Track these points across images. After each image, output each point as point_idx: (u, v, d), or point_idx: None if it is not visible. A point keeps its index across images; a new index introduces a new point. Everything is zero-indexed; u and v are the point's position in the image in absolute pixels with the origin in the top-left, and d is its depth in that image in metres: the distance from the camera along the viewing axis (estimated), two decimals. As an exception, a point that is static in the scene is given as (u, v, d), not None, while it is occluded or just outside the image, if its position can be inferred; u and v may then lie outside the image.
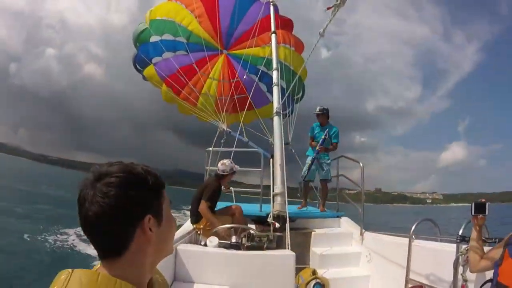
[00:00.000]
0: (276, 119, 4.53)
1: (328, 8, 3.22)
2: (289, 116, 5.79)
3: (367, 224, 4.29)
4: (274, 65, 4.91)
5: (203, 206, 3.75)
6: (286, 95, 4.75)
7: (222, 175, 4.15)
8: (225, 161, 4.22)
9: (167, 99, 6.89)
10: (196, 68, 6.46)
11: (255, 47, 6.45)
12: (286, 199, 3.93)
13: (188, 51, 6.41)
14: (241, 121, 6.23)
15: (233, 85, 6.65)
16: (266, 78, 6.50)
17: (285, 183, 3.99)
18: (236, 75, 6.76)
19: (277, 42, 5.37)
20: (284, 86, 6.21)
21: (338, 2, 3.01)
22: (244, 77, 6.39)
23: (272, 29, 5.11)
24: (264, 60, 6.37)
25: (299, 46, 7.03)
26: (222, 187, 4.37)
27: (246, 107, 6.00)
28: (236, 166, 4.29)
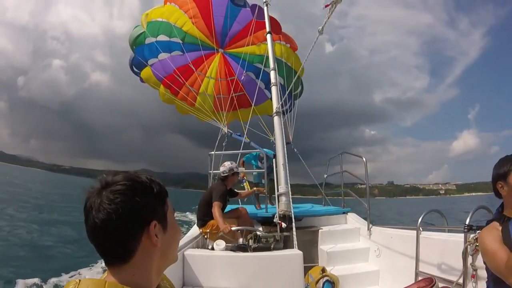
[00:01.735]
0: (276, 119, 4.54)
1: (326, 6, 3.22)
2: (289, 112, 5.79)
3: (376, 218, 4.26)
4: (271, 65, 4.94)
5: (215, 207, 3.77)
6: (287, 92, 4.76)
7: (224, 177, 4.20)
8: (225, 163, 4.29)
9: (165, 100, 6.96)
10: (193, 67, 6.54)
11: (251, 45, 6.50)
12: (290, 198, 3.94)
13: (184, 51, 6.47)
14: (241, 121, 6.24)
15: (230, 83, 6.70)
16: (263, 76, 6.54)
17: (289, 183, 4.00)
18: (233, 73, 6.82)
19: (273, 40, 5.40)
20: (282, 82, 6.23)
21: (335, -1, 3.00)
22: (243, 77, 6.44)
23: (267, 29, 5.13)
24: (261, 58, 6.38)
25: (293, 44, 7.11)
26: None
27: (244, 104, 6.03)
28: (237, 167, 4.32)
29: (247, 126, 6.01)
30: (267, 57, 5.55)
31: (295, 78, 4.98)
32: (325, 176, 5.80)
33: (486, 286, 1.68)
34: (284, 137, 4.40)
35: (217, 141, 5.88)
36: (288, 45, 6.87)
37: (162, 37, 6.40)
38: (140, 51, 6.43)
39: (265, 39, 6.12)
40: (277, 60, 6.04)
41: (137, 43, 6.43)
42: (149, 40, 6.34)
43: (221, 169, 4.21)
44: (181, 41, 6.45)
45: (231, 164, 4.28)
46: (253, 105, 5.74)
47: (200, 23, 6.53)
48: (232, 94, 6.51)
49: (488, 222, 1.68)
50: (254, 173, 5.93)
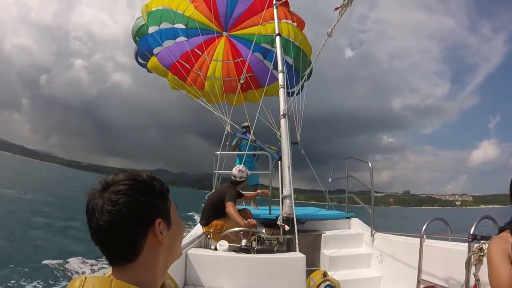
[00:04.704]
0: (282, 122, 4.60)
1: (336, 9, 3.27)
2: (297, 95, 5.61)
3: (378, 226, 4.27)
4: (280, 67, 4.96)
5: (230, 207, 3.82)
6: (295, 73, 4.74)
7: (239, 181, 4.24)
8: (241, 167, 4.31)
9: (174, 87, 6.96)
10: (199, 52, 6.55)
11: (256, 25, 6.40)
12: (293, 201, 3.99)
13: (189, 36, 6.49)
14: (249, 102, 6.21)
15: (237, 65, 6.71)
16: (270, 55, 6.46)
17: (291, 185, 4.05)
18: (240, 55, 6.81)
19: (279, 19, 5.36)
20: (291, 62, 6.17)
21: (346, 2, 3.06)
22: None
23: (277, 31, 5.16)
24: (267, 38, 6.32)
25: (300, 23, 6.97)
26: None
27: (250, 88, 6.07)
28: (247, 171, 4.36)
29: (254, 124, 5.97)
30: (271, 36, 5.40)
31: (303, 58, 4.84)
32: (330, 180, 5.84)
33: None
34: (289, 140, 4.45)
35: (222, 141, 5.93)
36: (295, 24, 6.74)
37: (165, 25, 6.41)
38: (144, 42, 6.47)
39: (271, 18, 5.92)
40: (284, 40, 5.97)
41: (140, 34, 6.47)
42: (152, 29, 6.35)
43: (238, 174, 4.20)
44: (184, 27, 6.44)
45: (244, 169, 4.28)
46: (262, 86, 5.67)
47: (202, 7, 6.48)
48: (240, 76, 6.46)
49: (501, 230, 1.64)
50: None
